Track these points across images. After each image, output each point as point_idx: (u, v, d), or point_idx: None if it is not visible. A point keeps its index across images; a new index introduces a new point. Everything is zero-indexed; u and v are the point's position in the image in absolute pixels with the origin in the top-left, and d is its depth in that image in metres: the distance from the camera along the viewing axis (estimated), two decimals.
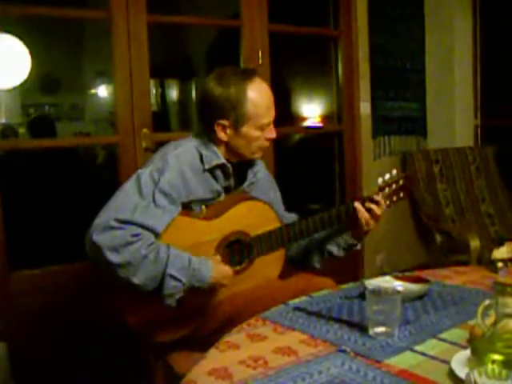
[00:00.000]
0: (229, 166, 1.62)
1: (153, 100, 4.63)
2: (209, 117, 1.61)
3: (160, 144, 2.54)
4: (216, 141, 1.62)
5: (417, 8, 3.82)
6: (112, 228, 1.41)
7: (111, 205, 1.48)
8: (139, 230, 1.43)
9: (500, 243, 1.70)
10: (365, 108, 3.48)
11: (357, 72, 3.42)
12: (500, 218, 3.60)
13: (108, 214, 1.45)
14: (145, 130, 2.56)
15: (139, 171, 1.54)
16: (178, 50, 5.39)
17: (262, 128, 1.60)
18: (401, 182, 1.71)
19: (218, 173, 1.62)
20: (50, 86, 4.93)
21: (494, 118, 4.00)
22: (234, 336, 1.24)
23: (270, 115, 1.61)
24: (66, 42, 4.42)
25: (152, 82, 4.05)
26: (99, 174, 3.94)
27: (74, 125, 4.83)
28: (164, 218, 1.49)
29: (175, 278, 1.44)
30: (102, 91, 5.28)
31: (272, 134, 1.64)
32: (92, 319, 2.35)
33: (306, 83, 5.06)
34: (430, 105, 3.91)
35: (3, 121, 4.51)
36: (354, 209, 1.65)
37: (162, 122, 5.26)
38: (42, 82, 4.81)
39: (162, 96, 5.86)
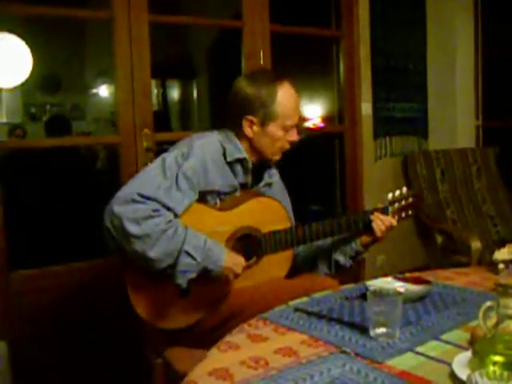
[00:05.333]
0: (249, 160, 1.66)
1: (154, 100, 4.63)
2: (238, 112, 1.66)
3: (161, 144, 2.55)
4: (241, 136, 1.67)
5: (418, 9, 3.81)
6: (134, 201, 1.44)
7: (135, 181, 1.52)
8: (160, 207, 1.47)
9: (501, 244, 1.70)
10: (366, 109, 3.48)
11: (358, 73, 3.42)
12: (501, 219, 3.59)
13: (131, 188, 1.48)
14: (146, 130, 2.56)
15: (164, 154, 1.59)
16: (179, 50, 5.40)
17: (286, 129, 1.66)
18: (410, 200, 1.76)
19: (238, 168, 1.66)
20: (52, 86, 4.94)
21: (496, 119, 4.00)
22: (235, 336, 1.24)
23: (295, 117, 1.68)
24: (67, 41, 4.43)
25: (153, 82, 4.04)
26: (100, 174, 3.94)
27: (75, 124, 4.83)
28: (183, 201, 1.53)
29: (190, 256, 1.45)
30: (103, 91, 5.28)
31: (295, 136, 1.70)
32: (92, 319, 2.35)
33: (308, 84, 5.06)
34: (431, 106, 3.91)
35: (4, 120, 4.52)
36: (369, 217, 1.70)
37: (163, 122, 5.26)
38: (44, 81, 4.82)
39: (163, 96, 5.87)
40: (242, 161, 1.65)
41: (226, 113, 1.71)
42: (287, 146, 1.71)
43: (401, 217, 1.75)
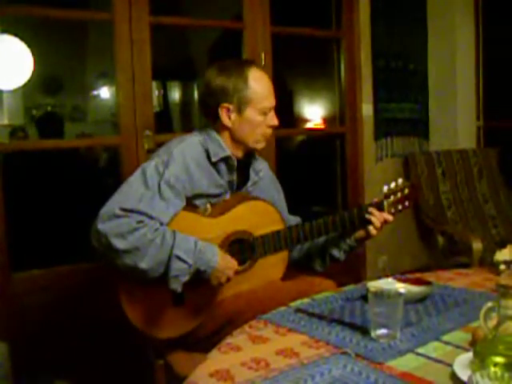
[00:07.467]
0: (233, 158, 1.65)
1: (155, 101, 4.63)
2: (213, 103, 1.64)
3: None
4: (220, 129, 1.65)
5: (419, 9, 3.82)
6: (117, 216, 1.43)
7: (116, 196, 1.50)
8: (144, 218, 1.45)
9: (502, 245, 1.69)
10: (367, 110, 3.48)
11: (359, 74, 3.42)
12: (502, 220, 3.59)
13: (113, 203, 1.47)
14: (147, 132, 2.56)
15: (144, 164, 1.57)
16: (180, 52, 5.40)
17: (264, 112, 1.64)
18: (406, 191, 1.72)
19: (222, 167, 1.64)
20: (53, 87, 4.95)
21: (497, 119, 3.99)
22: (236, 338, 1.24)
23: (271, 99, 1.66)
24: (68, 43, 4.44)
25: (154, 84, 4.05)
26: (101, 176, 3.94)
27: (76, 126, 4.84)
28: (169, 210, 1.51)
29: (181, 260, 1.44)
30: (105, 92, 5.29)
31: (274, 121, 1.67)
32: (94, 320, 2.35)
33: (309, 85, 5.07)
34: (432, 106, 3.91)
35: (6, 122, 4.53)
36: (363, 214, 1.67)
37: (164, 124, 5.26)
38: (45, 83, 4.83)
39: (164, 97, 5.88)
40: (226, 159, 1.64)
41: (202, 106, 1.71)
42: (269, 132, 1.68)
43: (397, 209, 1.71)
